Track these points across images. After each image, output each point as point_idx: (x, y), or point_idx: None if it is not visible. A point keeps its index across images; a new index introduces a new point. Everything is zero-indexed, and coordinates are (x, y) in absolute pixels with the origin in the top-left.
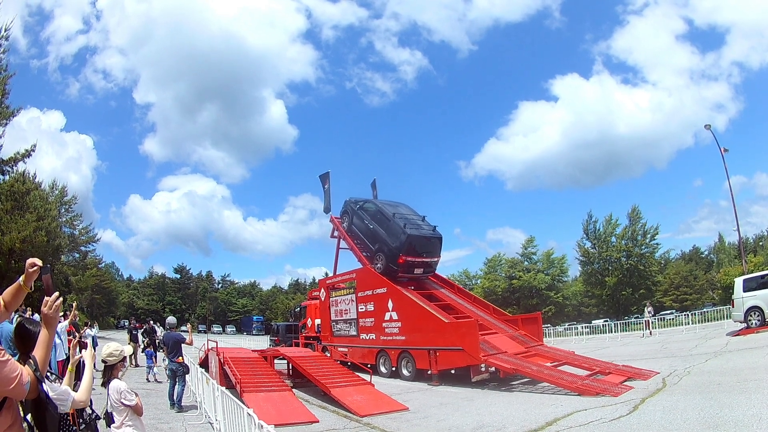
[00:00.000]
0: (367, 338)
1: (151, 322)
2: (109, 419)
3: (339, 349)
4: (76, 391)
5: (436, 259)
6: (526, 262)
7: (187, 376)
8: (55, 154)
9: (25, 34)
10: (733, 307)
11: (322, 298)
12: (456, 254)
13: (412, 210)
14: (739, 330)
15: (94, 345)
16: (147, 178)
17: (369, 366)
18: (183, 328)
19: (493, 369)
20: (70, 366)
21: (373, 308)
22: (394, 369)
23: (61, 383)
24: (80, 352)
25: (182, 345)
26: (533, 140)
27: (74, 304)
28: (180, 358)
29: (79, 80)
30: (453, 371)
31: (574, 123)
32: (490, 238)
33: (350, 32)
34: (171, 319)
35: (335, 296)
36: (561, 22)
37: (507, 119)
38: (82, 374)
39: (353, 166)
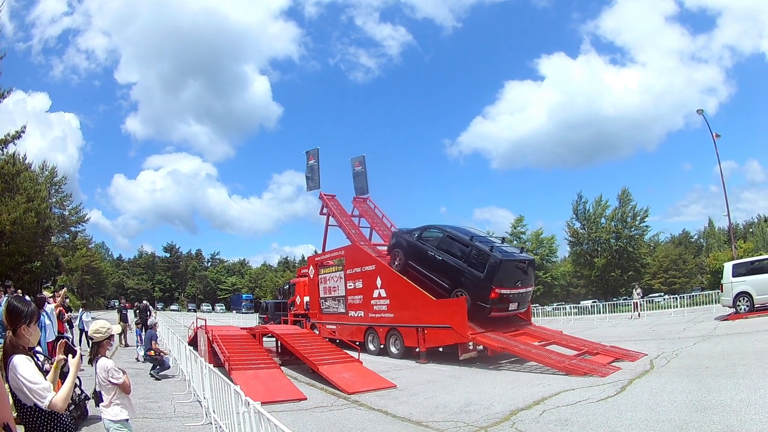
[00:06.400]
0: (356, 315)
1: (145, 301)
2: (98, 398)
3: (327, 326)
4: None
5: (531, 289)
6: (515, 242)
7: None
8: (41, 135)
9: (12, 19)
10: (722, 291)
11: (311, 276)
12: None
13: (474, 229)
14: (728, 315)
15: (82, 328)
16: (131, 157)
17: (357, 343)
18: (173, 306)
19: (481, 347)
20: (55, 364)
21: (361, 285)
22: (382, 346)
23: (50, 365)
24: (68, 356)
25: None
26: (520, 119)
27: (64, 290)
28: (151, 351)
29: (63, 61)
30: (441, 349)
31: (561, 103)
32: (476, 218)
33: (333, 9)
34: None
35: (324, 273)
36: (547, 1)
37: (493, 98)
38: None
39: (337, 144)
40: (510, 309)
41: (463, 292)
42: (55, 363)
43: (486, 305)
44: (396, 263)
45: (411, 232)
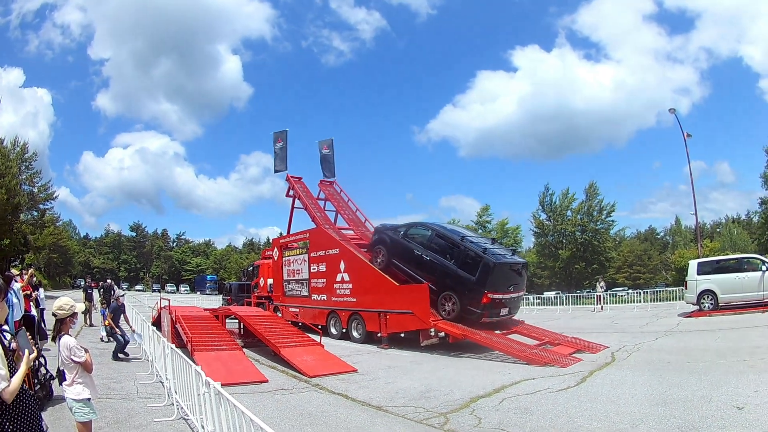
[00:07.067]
0: (319, 299)
1: (109, 280)
2: (62, 377)
3: (290, 309)
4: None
5: (523, 294)
6: (480, 231)
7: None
8: (14, 110)
9: None
10: (686, 288)
11: (275, 258)
12: (409, 220)
13: (464, 228)
14: (691, 312)
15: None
16: (100, 134)
17: (320, 327)
18: (138, 287)
19: (442, 334)
20: (17, 357)
21: (325, 269)
22: (344, 331)
23: (16, 344)
24: (25, 351)
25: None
26: (490, 109)
27: (31, 269)
28: (106, 321)
29: (39, 36)
30: (403, 335)
31: (533, 95)
32: (443, 205)
33: None
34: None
35: (288, 256)
36: None
37: (464, 87)
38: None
39: (306, 126)
40: (501, 314)
41: (452, 295)
42: (17, 357)
43: (477, 310)
44: (378, 261)
45: (396, 228)
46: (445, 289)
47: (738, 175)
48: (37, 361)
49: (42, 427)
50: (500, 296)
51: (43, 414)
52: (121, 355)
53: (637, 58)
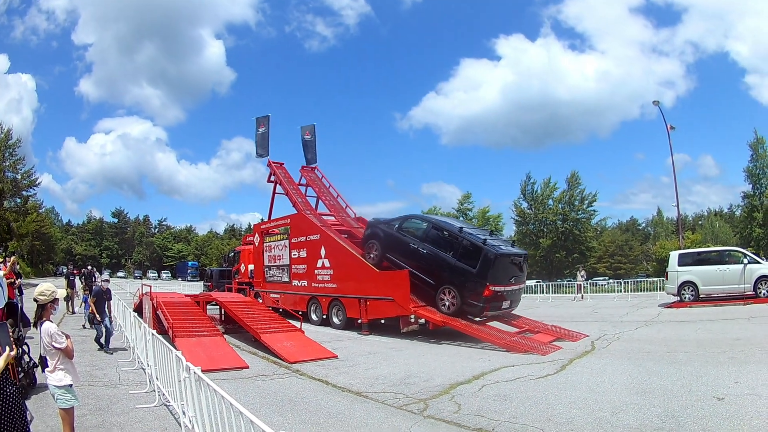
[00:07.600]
0: (299, 285)
1: (90, 267)
2: (44, 363)
3: (271, 295)
4: None
5: (524, 286)
6: (461, 218)
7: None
8: None
9: None
10: (667, 279)
11: (256, 244)
12: (390, 206)
13: (459, 220)
14: (672, 303)
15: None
16: (83, 120)
17: (300, 313)
18: (119, 273)
19: (422, 321)
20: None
21: (305, 255)
22: (324, 317)
23: None
24: (6, 349)
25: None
26: (474, 97)
27: (14, 257)
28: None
29: (25, 22)
30: (383, 321)
31: (516, 84)
32: (424, 192)
33: None
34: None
35: (269, 242)
36: None
37: (448, 74)
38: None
39: (289, 112)
40: (503, 307)
41: (452, 288)
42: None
43: (478, 303)
44: (371, 256)
45: (390, 222)
46: (444, 283)
47: (722, 168)
48: (20, 349)
49: (26, 416)
50: (502, 288)
51: (27, 402)
52: (103, 347)
53: (622, 50)
